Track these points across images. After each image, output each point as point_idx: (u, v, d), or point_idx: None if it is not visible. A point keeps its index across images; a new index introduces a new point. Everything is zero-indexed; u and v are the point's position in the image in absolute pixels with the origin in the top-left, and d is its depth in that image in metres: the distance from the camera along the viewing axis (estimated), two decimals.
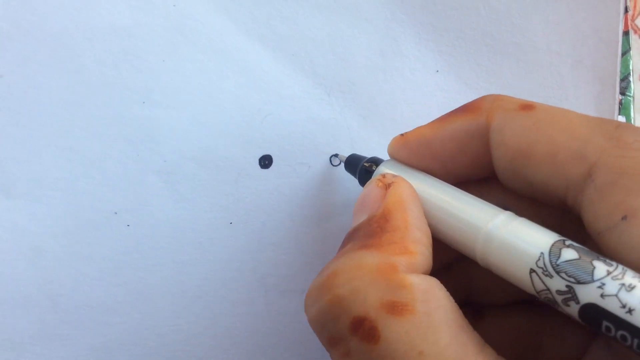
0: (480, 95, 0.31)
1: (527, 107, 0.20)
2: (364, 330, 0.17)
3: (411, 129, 0.31)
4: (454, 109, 0.22)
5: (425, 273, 0.18)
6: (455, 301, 0.24)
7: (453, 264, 0.23)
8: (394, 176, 0.22)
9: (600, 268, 0.16)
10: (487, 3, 0.30)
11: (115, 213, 0.27)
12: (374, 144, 0.29)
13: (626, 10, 0.30)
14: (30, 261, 0.27)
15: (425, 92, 0.30)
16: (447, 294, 0.18)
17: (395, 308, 0.17)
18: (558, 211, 0.20)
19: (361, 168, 0.25)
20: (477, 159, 0.21)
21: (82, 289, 0.27)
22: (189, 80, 0.28)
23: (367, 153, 0.27)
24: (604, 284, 0.16)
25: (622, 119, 0.31)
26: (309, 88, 0.29)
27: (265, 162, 0.28)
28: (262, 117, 0.28)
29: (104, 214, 0.27)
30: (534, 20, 0.30)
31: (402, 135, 0.23)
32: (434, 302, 0.17)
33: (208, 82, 0.28)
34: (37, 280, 0.27)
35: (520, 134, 0.19)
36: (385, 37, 0.29)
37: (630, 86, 0.31)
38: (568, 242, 0.17)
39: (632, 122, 0.31)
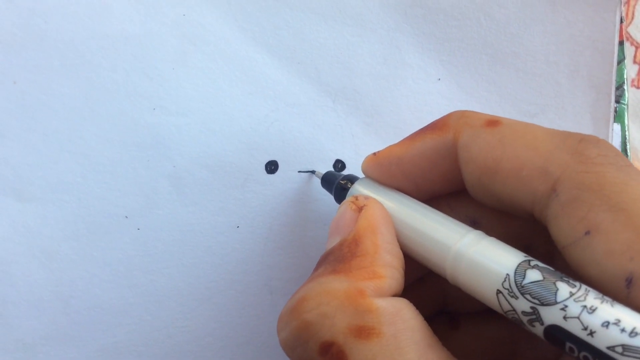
0: (480, 104, 0.32)
1: (492, 123, 0.20)
2: (332, 354, 0.17)
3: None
4: (423, 126, 0.22)
5: (396, 294, 0.19)
6: (431, 311, 0.24)
7: (427, 274, 0.24)
8: (367, 198, 0.22)
9: (563, 289, 0.16)
10: (488, 14, 0.31)
11: (126, 217, 0.28)
12: (377, 150, 0.30)
13: (621, 20, 0.31)
14: (42, 263, 0.27)
15: (427, 100, 0.30)
16: (416, 313, 0.18)
17: (362, 332, 0.17)
18: (527, 222, 0.21)
19: (337, 185, 0.25)
20: (447, 175, 0.21)
21: (93, 291, 0.27)
22: (198, 87, 0.28)
23: None
24: (566, 306, 0.16)
25: (617, 126, 0.32)
26: (315, 95, 0.30)
27: (271, 167, 0.29)
28: (269, 124, 0.29)
29: (115, 218, 0.28)
30: (533, 31, 0.31)
31: (374, 154, 0.23)
32: (401, 323, 0.17)
33: (216, 90, 0.29)
34: (49, 282, 0.27)
35: (486, 151, 0.19)
36: (389, 46, 0.30)
37: (625, 94, 0.32)
38: (533, 262, 0.17)
39: (627, 128, 0.32)
